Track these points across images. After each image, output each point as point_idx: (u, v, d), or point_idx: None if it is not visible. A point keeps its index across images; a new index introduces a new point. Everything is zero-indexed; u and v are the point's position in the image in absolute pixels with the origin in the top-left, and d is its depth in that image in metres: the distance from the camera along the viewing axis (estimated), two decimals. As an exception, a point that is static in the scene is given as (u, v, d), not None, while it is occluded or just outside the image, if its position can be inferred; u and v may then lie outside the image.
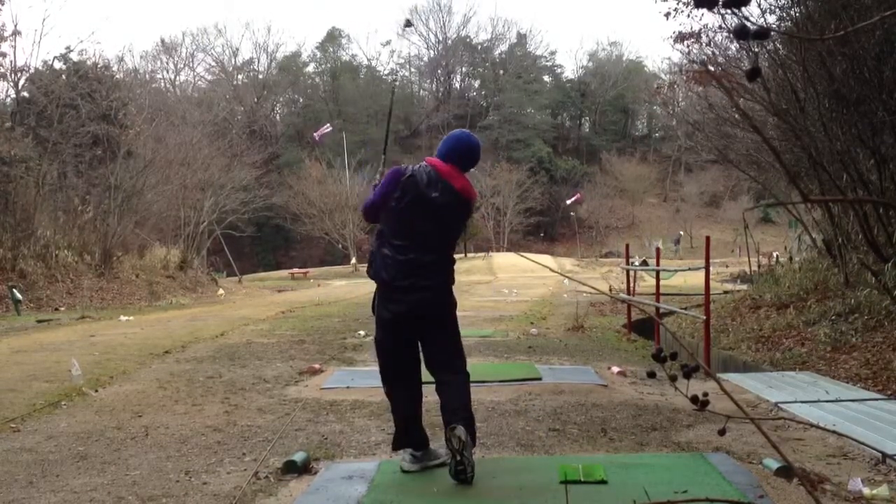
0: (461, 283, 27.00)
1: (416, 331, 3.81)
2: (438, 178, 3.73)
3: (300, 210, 45.59)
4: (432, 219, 3.71)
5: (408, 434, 3.86)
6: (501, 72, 71.25)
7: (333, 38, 71.22)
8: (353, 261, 43.27)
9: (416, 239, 3.71)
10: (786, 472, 3.68)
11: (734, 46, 11.42)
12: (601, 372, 6.94)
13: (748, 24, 1.11)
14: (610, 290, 14.29)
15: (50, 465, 4.10)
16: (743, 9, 1.09)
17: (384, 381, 3.97)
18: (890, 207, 7.87)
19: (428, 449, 3.91)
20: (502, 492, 3.50)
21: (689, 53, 12.80)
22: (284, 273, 42.85)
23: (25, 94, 20.58)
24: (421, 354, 3.88)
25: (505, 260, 41.60)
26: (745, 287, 17.08)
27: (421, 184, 3.70)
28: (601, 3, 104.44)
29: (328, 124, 48.37)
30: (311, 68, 72.60)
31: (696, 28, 13.05)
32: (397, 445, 3.92)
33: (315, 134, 46.76)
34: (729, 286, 20.07)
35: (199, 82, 67.34)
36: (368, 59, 75.30)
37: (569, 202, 53.67)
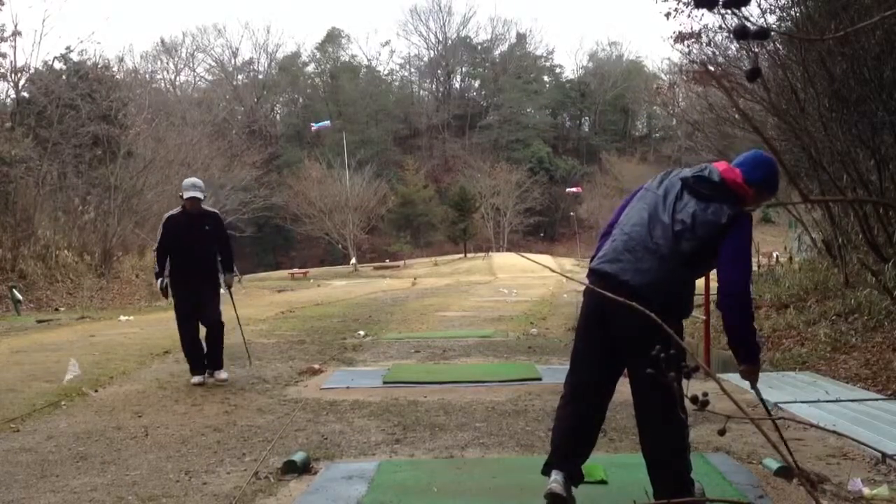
0: (461, 283, 27.07)
1: None
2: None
3: (300, 210, 45.53)
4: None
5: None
6: (501, 72, 71.28)
7: (333, 38, 71.23)
8: (353, 261, 43.21)
9: None
10: (786, 472, 3.68)
11: (734, 46, 11.41)
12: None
13: (748, 24, 1.11)
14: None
15: (50, 465, 4.09)
16: (743, 9, 1.09)
17: None
18: (890, 207, 7.87)
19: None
20: (502, 492, 3.50)
21: (689, 53, 12.77)
22: (284, 273, 42.66)
23: (25, 94, 20.55)
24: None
25: (505, 260, 41.47)
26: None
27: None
28: (601, 3, 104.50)
29: (328, 121, 48.47)
30: (310, 68, 72.68)
31: (696, 28, 12.97)
32: None
33: (312, 125, 46.82)
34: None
35: (199, 82, 67.48)
36: (368, 59, 75.42)
37: (568, 190, 54.59)
